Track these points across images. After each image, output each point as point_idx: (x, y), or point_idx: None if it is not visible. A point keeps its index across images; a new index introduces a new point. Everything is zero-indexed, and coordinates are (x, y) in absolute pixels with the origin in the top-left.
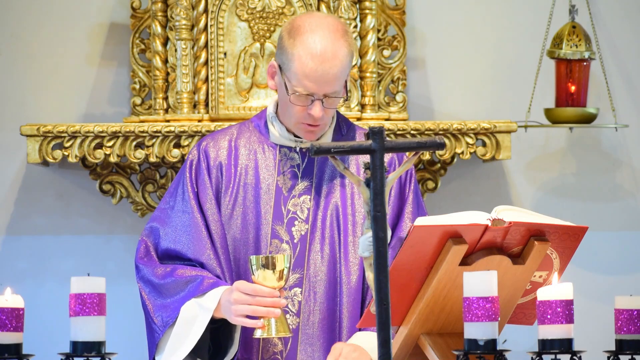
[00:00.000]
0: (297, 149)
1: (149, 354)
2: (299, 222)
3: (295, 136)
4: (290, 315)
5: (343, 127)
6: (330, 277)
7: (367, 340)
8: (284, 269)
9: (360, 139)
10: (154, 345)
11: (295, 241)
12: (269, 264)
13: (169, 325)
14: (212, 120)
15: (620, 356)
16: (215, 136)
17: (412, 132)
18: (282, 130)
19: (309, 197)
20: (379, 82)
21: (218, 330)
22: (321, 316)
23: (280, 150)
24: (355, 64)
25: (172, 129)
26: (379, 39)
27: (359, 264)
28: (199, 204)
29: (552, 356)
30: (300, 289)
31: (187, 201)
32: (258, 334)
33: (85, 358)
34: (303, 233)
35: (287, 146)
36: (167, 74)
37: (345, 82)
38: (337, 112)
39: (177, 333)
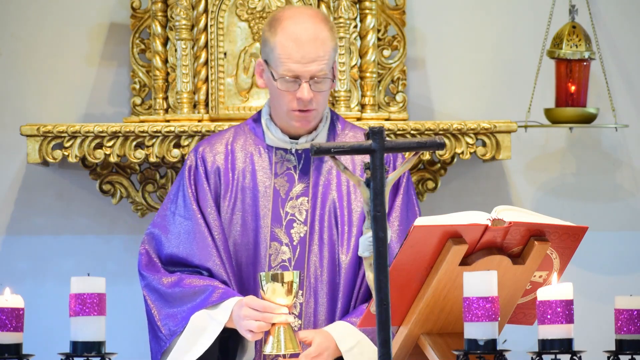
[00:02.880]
0: (293, 150)
1: None
2: (297, 224)
3: (291, 138)
4: (292, 317)
5: (337, 125)
6: (330, 279)
7: (336, 329)
8: (292, 285)
9: (357, 139)
10: (159, 353)
11: (294, 243)
12: (278, 280)
13: (176, 335)
14: (212, 120)
15: (620, 356)
16: (211, 141)
17: (412, 132)
18: (277, 133)
19: (306, 198)
20: (379, 82)
21: (227, 339)
22: (322, 317)
23: (277, 153)
24: (355, 64)
25: (172, 129)
26: (379, 39)
27: (352, 263)
28: (200, 210)
29: (552, 356)
30: (301, 291)
31: (189, 208)
32: (267, 349)
33: (85, 358)
34: (302, 235)
35: (283, 148)
36: (167, 74)
37: (333, 68)
38: (332, 112)
39: (183, 341)
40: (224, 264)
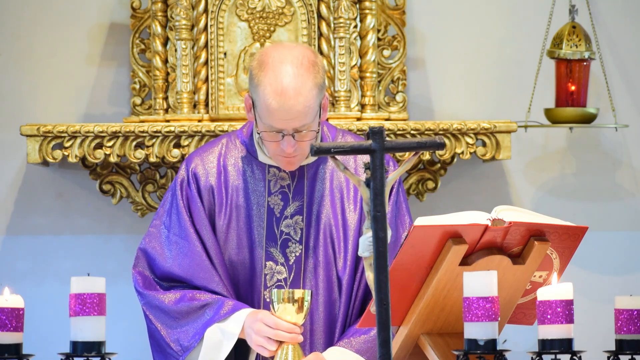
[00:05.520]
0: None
1: None
2: (292, 243)
3: None
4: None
5: (328, 139)
6: (327, 297)
7: (331, 354)
8: (304, 303)
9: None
10: None
11: (290, 263)
12: (289, 299)
13: (189, 350)
14: (212, 120)
15: (620, 356)
16: (202, 155)
17: (412, 132)
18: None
19: (301, 217)
20: (379, 82)
21: (236, 347)
22: (319, 335)
23: (270, 170)
24: (355, 64)
25: (172, 129)
26: (379, 39)
27: (350, 279)
28: (195, 229)
29: (552, 356)
30: None
31: (184, 227)
32: None
33: (85, 358)
34: (297, 254)
35: (275, 166)
36: (167, 74)
37: (320, 112)
38: (323, 123)
39: (205, 358)
40: (224, 284)
